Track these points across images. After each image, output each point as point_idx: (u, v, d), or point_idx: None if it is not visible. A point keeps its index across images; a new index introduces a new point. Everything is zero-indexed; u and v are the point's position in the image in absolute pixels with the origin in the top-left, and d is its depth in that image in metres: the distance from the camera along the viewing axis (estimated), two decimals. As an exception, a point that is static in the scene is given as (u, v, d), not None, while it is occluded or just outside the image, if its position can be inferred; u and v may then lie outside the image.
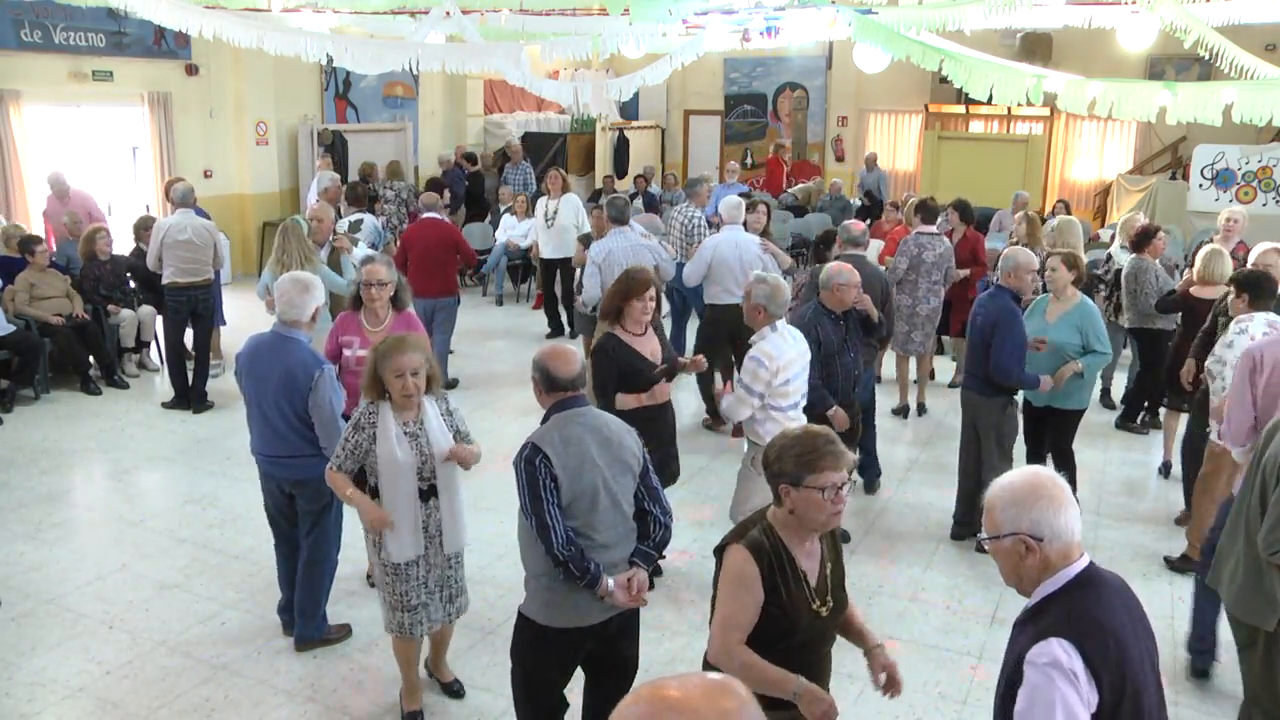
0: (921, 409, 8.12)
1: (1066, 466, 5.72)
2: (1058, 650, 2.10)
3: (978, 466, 5.57)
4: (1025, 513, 2.23)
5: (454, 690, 4.25)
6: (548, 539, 3.16)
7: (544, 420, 3.36)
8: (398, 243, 9.24)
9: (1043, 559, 2.24)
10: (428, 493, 3.81)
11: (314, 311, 4.44)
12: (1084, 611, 2.18)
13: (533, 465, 3.19)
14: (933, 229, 7.93)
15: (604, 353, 4.79)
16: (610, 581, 3.23)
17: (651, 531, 3.41)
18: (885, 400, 8.20)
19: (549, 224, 9.86)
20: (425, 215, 8.56)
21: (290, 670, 4.43)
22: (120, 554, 5.51)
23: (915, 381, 8.14)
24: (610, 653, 3.43)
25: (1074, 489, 6.05)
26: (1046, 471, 2.32)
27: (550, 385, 3.34)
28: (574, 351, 3.41)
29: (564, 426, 3.27)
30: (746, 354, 4.68)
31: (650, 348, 4.88)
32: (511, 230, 11.89)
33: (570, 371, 3.33)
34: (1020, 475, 2.30)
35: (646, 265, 6.09)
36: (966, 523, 5.68)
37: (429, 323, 8.55)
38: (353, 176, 12.46)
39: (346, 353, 4.94)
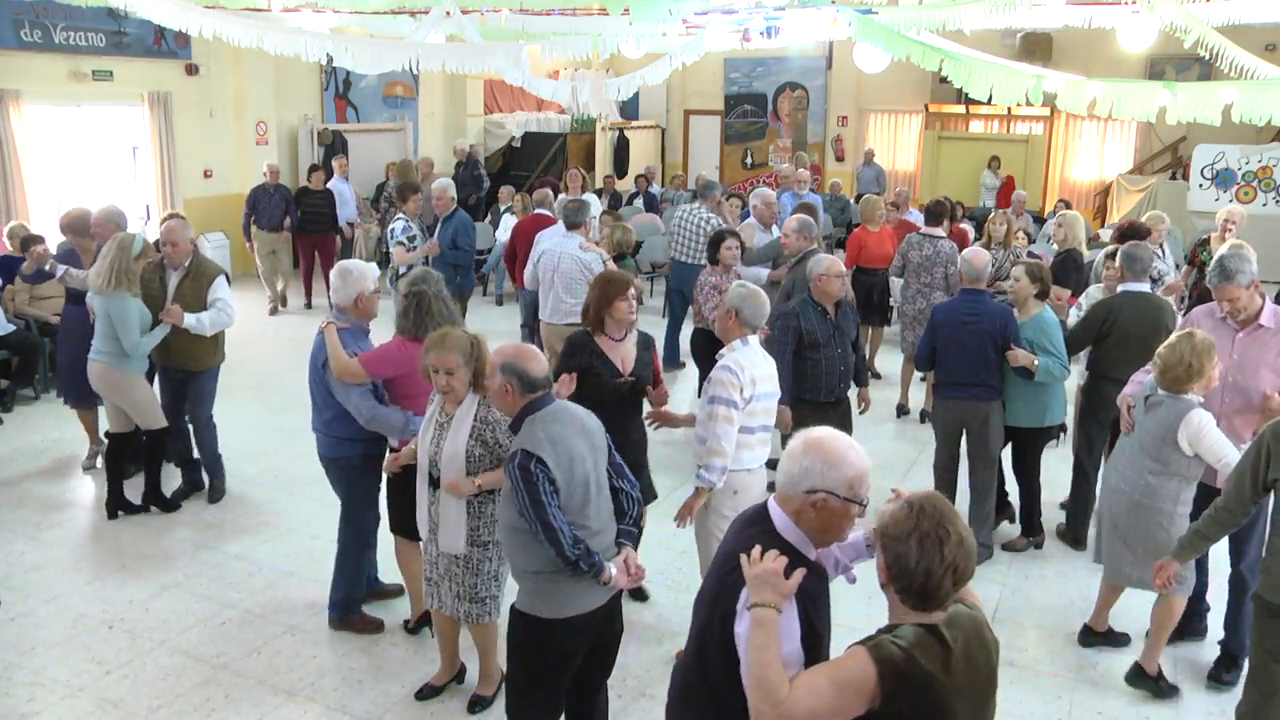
0: (925, 416, 7.90)
1: (1028, 488, 5.74)
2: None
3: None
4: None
5: (475, 706, 4.16)
6: (557, 541, 3.16)
7: (514, 423, 3.34)
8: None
9: None
10: (436, 482, 3.90)
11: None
12: None
13: (529, 472, 3.16)
14: (937, 231, 7.97)
15: (576, 346, 4.63)
16: (612, 568, 3.30)
17: (627, 508, 3.48)
18: (889, 397, 8.27)
19: None
20: (535, 211, 8.93)
21: (290, 670, 4.44)
22: (120, 554, 5.52)
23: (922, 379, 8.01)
24: (605, 631, 3.48)
25: (1005, 510, 6.01)
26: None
27: (528, 386, 3.29)
28: (535, 349, 3.41)
29: (545, 426, 3.26)
30: (713, 369, 4.25)
31: (621, 354, 4.61)
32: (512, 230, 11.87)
33: (543, 369, 3.35)
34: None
35: (575, 277, 6.39)
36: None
37: (534, 318, 8.62)
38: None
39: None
